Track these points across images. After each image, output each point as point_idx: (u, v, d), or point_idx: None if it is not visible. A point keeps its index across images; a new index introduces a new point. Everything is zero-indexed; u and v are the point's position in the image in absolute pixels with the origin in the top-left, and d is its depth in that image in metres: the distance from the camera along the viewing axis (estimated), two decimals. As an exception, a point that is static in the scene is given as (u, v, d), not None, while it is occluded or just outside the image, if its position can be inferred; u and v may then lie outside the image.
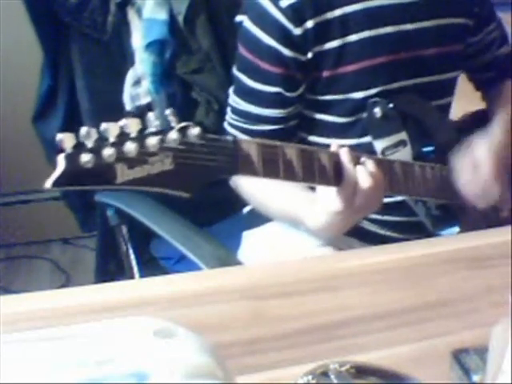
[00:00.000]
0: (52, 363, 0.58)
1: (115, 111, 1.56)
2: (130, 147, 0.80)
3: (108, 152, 0.78)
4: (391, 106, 1.23)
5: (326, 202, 1.08)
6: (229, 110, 1.30)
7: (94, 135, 0.78)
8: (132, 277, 1.51)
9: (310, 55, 1.21)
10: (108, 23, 1.54)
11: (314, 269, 0.99)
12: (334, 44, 1.22)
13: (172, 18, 1.54)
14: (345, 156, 1.06)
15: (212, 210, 1.54)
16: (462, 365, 0.81)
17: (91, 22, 1.53)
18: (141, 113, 1.54)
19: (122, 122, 0.80)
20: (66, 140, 0.77)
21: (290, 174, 1.00)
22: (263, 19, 1.21)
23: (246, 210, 1.42)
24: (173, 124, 0.85)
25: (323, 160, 1.04)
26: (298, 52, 1.21)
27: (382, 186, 1.09)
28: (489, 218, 1.29)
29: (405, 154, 1.23)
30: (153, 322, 0.63)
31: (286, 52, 1.20)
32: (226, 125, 1.30)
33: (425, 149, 1.27)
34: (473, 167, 1.24)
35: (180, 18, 1.53)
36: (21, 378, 0.57)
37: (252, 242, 1.38)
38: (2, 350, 0.59)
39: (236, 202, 1.33)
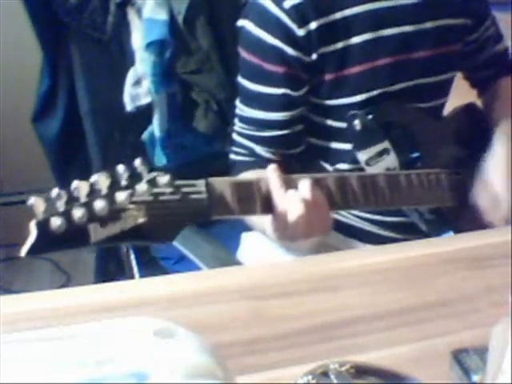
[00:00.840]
0: (52, 363, 0.58)
1: (115, 111, 1.56)
2: (101, 205, 0.79)
3: (78, 213, 0.78)
4: (370, 117, 1.22)
5: (266, 229, 1.05)
6: (236, 120, 1.29)
7: (64, 196, 0.78)
8: (132, 277, 1.51)
9: (314, 57, 1.21)
10: (108, 23, 1.54)
11: (313, 269, 0.99)
12: (337, 46, 1.21)
13: (172, 18, 1.54)
14: (273, 182, 1.00)
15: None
16: (462, 365, 0.81)
17: (91, 22, 1.53)
18: (143, 114, 1.55)
19: (93, 178, 0.80)
20: (37, 205, 0.77)
21: (267, 208, 0.99)
22: (266, 20, 1.20)
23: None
24: (143, 173, 0.84)
25: (262, 188, 1.00)
26: (302, 53, 1.20)
27: (319, 210, 1.01)
28: (482, 222, 1.28)
29: (390, 162, 1.22)
30: (153, 322, 0.63)
31: (290, 51, 1.20)
32: (234, 135, 1.29)
33: (411, 154, 1.26)
34: (493, 205, 1.24)
35: (180, 19, 1.53)
36: (21, 378, 0.57)
37: (251, 242, 1.38)
38: (2, 350, 0.59)
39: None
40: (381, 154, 1.22)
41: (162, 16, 1.53)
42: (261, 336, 0.87)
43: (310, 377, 0.78)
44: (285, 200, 0.99)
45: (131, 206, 0.83)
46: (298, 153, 1.28)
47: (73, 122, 1.60)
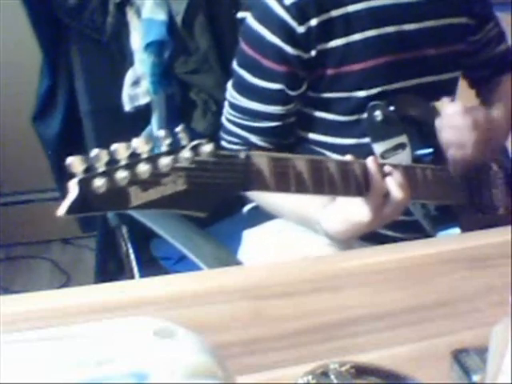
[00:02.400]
0: (52, 363, 0.58)
1: (115, 111, 1.56)
2: (143, 169, 0.77)
3: (121, 175, 0.76)
4: (392, 108, 1.23)
5: (352, 211, 1.09)
6: (227, 104, 1.29)
7: (105, 157, 0.75)
8: (132, 277, 1.51)
9: (313, 53, 1.21)
10: (107, 24, 1.54)
11: (314, 269, 0.99)
12: (337, 42, 1.22)
13: (171, 18, 1.54)
14: (373, 166, 1.06)
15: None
16: (462, 365, 0.81)
17: (90, 23, 1.53)
18: (143, 115, 1.55)
19: (133, 142, 0.77)
20: (76, 164, 0.74)
21: (301, 187, 0.99)
22: (267, 17, 1.21)
23: (245, 209, 1.42)
24: (184, 142, 0.83)
25: (349, 170, 1.04)
26: (302, 50, 1.21)
27: (409, 196, 1.09)
28: (486, 216, 1.29)
29: (404, 157, 1.23)
30: (153, 322, 0.63)
31: (290, 50, 1.20)
32: (223, 120, 1.30)
33: (424, 151, 1.27)
34: (464, 116, 1.22)
35: (178, 19, 1.53)
36: (21, 378, 0.57)
37: (252, 241, 1.38)
38: (2, 350, 0.59)
39: (236, 201, 1.33)
40: (397, 148, 1.23)
41: (161, 16, 1.53)
42: (261, 336, 0.87)
43: (309, 377, 0.78)
44: (385, 184, 1.07)
45: (173, 172, 0.81)
46: (290, 143, 1.29)
47: (72, 122, 1.60)
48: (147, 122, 1.57)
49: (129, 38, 1.56)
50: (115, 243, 1.57)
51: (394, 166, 1.10)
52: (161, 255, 1.59)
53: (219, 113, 1.37)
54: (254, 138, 1.25)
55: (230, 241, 1.39)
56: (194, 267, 1.23)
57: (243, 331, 0.87)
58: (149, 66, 1.54)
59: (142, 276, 1.52)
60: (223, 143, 1.29)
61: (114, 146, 0.76)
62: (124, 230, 1.54)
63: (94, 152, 0.75)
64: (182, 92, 1.60)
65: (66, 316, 0.84)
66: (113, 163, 0.76)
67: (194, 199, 0.85)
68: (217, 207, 0.88)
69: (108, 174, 0.75)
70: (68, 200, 0.75)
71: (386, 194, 1.07)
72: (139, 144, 0.78)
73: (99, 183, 0.75)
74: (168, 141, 0.81)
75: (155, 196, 0.81)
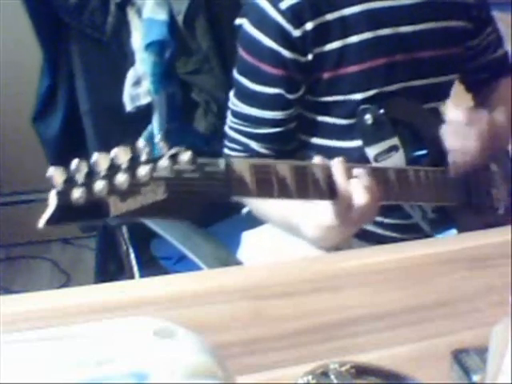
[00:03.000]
0: (52, 363, 0.58)
1: (115, 111, 1.56)
2: (121, 179, 0.78)
3: (99, 186, 0.77)
4: (382, 111, 1.23)
5: (319, 217, 1.07)
6: (229, 113, 1.30)
7: (84, 168, 0.77)
8: (132, 277, 1.51)
9: (310, 57, 1.21)
10: (108, 23, 1.54)
11: (314, 269, 0.99)
12: (334, 45, 1.22)
13: (172, 18, 1.54)
14: (337, 169, 1.04)
15: (212, 210, 1.54)
16: (462, 365, 0.81)
17: (91, 23, 1.53)
18: (143, 114, 1.55)
19: (113, 152, 0.78)
20: (56, 175, 0.76)
21: (284, 193, 0.99)
22: (263, 21, 1.21)
23: (245, 210, 1.42)
24: (163, 151, 0.84)
25: (317, 175, 1.03)
26: (298, 53, 1.21)
27: (376, 199, 1.07)
28: (486, 219, 1.28)
29: (397, 159, 1.23)
30: (153, 322, 0.63)
31: (286, 54, 1.20)
32: (226, 128, 1.30)
33: (417, 153, 1.27)
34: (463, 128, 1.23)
35: (179, 19, 1.53)
36: (21, 378, 0.57)
37: (251, 241, 1.38)
38: (2, 350, 0.59)
39: (235, 202, 1.33)
40: (389, 150, 1.23)
41: (162, 16, 1.53)
42: (261, 336, 0.87)
43: (309, 377, 0.78)
44: (349, 187, 1.04)
45: (152, 182, 0.82)
46: (292, 149, 1.29)
47: (73, 122, 1.60)
48: (148, 122, 1.57)
49: (129, 38, 1.56)
50: (115, 243, 1.57)
51: (365, 168, 1.08)
52: (161, 255, 1.59)
53: (220, 113, 1.37)
54: (254, 145, 1.25)
55: (230, 241, 1.39)
56: (194, 267, 1.23)
57: (243, 331, 0.87)
58: (150, 65, 1.54)
59: (142, 276, 1.52)
60: (226, 151, 1.29)
61: (95, 157, 0.77)
62: (124, 229, 1.54)
63: (74, 164, 0.77)
64: (183, 92, 1.60)
65: (65, 316, 0.84)
66: (92, 174, 0.77)
67: (174, 208, 0.86)
68: (199, 214, 0.89)
69: (86, 184, 0.77)
70: (47, 212, 0.78)
71: (352, 199, 1.05)
72: (119, 154, 0.79)
73: (77, 194, 0.76)
74: (147, 150, 0.81)
75: (135, 206, 0.82)
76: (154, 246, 1.59)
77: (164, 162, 0.83)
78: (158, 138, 0.85)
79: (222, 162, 0.93)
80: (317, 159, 1.06)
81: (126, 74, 1.56)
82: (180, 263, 1.49)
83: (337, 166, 1.04)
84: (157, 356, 0.59)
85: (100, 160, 0.78)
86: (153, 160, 0.82)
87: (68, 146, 1.62)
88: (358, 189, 1.04)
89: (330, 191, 1.04)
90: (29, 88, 1.67)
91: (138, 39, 1.55)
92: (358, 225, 1.10)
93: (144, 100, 1.56)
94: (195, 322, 0.75)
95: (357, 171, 1.06)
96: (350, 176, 1.05)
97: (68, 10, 1.53)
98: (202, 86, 1.59)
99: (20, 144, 2.30)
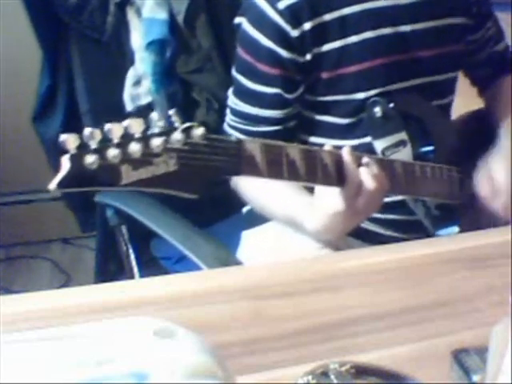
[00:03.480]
0: (52, 363, 0.58)
1: (115, 111, 1.56)
2: (135, 148, 0.79)
3: (113, 153, 0.78)
4: (391, 105, 1.23)
5: (327, 203, 1.08)
6: (228, 111, 1.30)
7: (98, 136, 0.77)
8: (132, 277, 1.51)
9: (308, 57, 1.21)
10: (107, 23, 1.54)
11: (314, 269, 0.99)
12: (333, 45, 1.22)
13: (172, 17, 1.54)
14: (347, 156, 1.05)
15: (212, 210, 1.54)
16: (462, 365, 0.81)
17: (91, 22, 1.53)
18: (144, 113, 1.55)
19: (126, 122, 0.79)
20: (70, 141, 0.76)
21: (293, 175, 1.00)
22: (261, 21, 1.21)
23: (245, 209, 1.42)
24: (176, 124, 0.84)
25: (326, 160, 1.04)
26: (296, 53, 1.21)
27: (385, 188, 1.08)
28: (488, 218, 1.29)
29: (405, 154, 1.23)
30: (153, 322, 0.63)
31: (284, 53, 1.20)
32: (225, 126, 1.30)
33: (425, 149, 1.27)
34: (494, 192, 1.25)
35: (180, 18, 1.54)
36: (21, 378, 0.57)
37: (251, 241, 1.38)
38: (2, 350, 0.59)
39: (236, 202, 1.33)
40: (397, 144, 1.23)
41: (162, 15, 1.53)
42: (261, 336, 0.87)
43: (309, 377, 0.78)
44: (359, 174, 1.05)
45: (164, 153, 0.83)
46: None
47: (73, 122, 1.60)
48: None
49: (129, 38, 1.56)
50: (115, 243, 1.57)
51: (372, 158, 1.09)
52: (161, 255, 1.59)
53: (221, 111, 1.37)
54: None
55: (230, 241, 1.39)
56: (194, 267, 1.23)
57: (243, 331, 0.87)
58: (150, 65, 1.54)
59: (142, 276, 1.52)
60: None
61: (108, 126, 0.78)
62: (124, 229, 1.54)
63: (88, 130, 0.77)
64: (183, 91, 1.60)
65: (66, 316, 0.84)
66: (106, 142, 0.78)
67: (184, 181, 0.86)
68: (207, 190, 0.89)
69: (100, 151, 0.77)
70: (59, 175, 0.77)
71: (361, 185, 1.06)
72: (132, 124, 0.79)
73: (90, 160, 0.77)
74: (161, 123, 0.82)
75: (146, 175, 0.82)
76: (154, 246, 1.59)
77: (177, 135, 0.83)
78: (171, 111, 0.85)
79: (234, 140, 0.94)
80: (327, 147, 1.06)
81: (126, 73, 1.56)
82: (180, 263, 1.49)
83: (347, 152, 1.05)
84: (157, 356, 0.59)
85: (114, 129, 0.78)
86: (166, 132, 0.83)
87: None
88: (367, 175, 1.05)
89: (338, 177, 1.05)
90: (29, 88, 1.67)
91: (137, 39, 1.55)
92: (363, 214, 1.11)
93: (144, 100, 1.56)
94: (195, 321, 0.75)
95: (365, 160, 1.07)
96: (359, 164, 1.06)
97: (68, 10, 1.53)
98: (203, 85, 1.59)
99: (20, 144, 2.30)
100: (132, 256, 1.53)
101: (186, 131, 0.85)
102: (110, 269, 1.74)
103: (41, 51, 1.59)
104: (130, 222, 1.48)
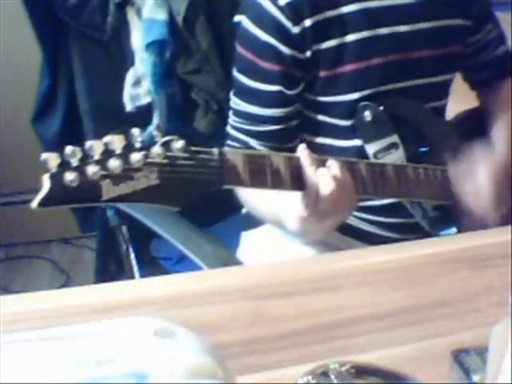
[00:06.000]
0: (52, 363, 0.58)
1: (115, 112, 1.56)
2: (115, 164, 0.80)
3: (92, 169, 0.79)
4: (381, 108, 1.23)
5: (293, 208, 1.06)
6: (231, 112, 1.29)
7: (79, 154, 0.79)
8: (132, 277, 1.51)
9: (308, 54, 1.21)
10: (107, 23, 1.54)
11: (314, 269, 0.99)
12: (331, 43, 1.22)
13: (171, 18, 1.54)
14: (304, 160, 1.03)
15: (212, 210, 1.54)
16: (462, 365, 0.81)
17: (91, 23, 1.53)
18: (143, 113, 1.55)
19: (107, 138, 0.81)
20: (51, 159, 0.78)
21: (277, 183, 1.00)
22: (261, 17, 1.21)
23: (245, 210, 1.42)
24: (157, 139, 0.85)
25: (286, 165, 1.02)
26: (297, 50, 1.21)
27: (348, 189, 1.05)
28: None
29: (397, 157, 1.23)
30: (153, 322, 0.63)
31: (285, 50, 1.20)
32: (229, 128, 1.29)
33: (418, 150, 1.27)
34: (472, 178, 1.23)
35: (179, 19, 1.53)
36: (21, 378, 0.57)
37: (251, 241, 1.38)
38: (2, 350, 0.59)
39: (236, 202, 1.33)
40: (389, 147, 1.23)
41: (162, 16, 1.53)
42: (261, 336, 0.87)
43: (309, 377, 0.78)
44: (316, 176, 1.02)
45: (145, 167, 0.84)
46: (292, 148, 1.29)
47: (73, 122, 1.60)
48: (148, 122, 1.57)
49: (129, 38, 1.56)
50: (115, 243, 1.57)
51: (338, 161, 1.06)
52: (161, 255, 1.59)
53: (221, 112, 1.37)
54: (254, 143, 1.25)
55: (230, 241, 1.39)
56: (194, 267, 1.23)
57: (243, 331, 0.87)
58: (150, 65, 1.54)
59: (142, 276, 1.52)
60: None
61: (89, 143, 0.80)
62: (124, 229, 1.54)
63: (69, 149, 0.79)
64: (183, 92, 1.60)
65: (66, 316, 0.84)
66: (86, 159, 0.79)
67: (167, 194, 0.87)
68: (191, 202, 0.90)
69: (80, 168, 0.79)
70: (40, 194, 0.79)
71: (319, 189, 1.03)
72: (113, 140, 0.81)
73: (70, 177, 0.78)
74: (141, 138, 0.83)
75: (127, 190, 0.83)
76: (154, 246, 1.59)
77: (157, 149, 0.85)
78: (152, 126, 0.87)
79: (215, 151, 0.94)
80: (300, 149, 1.04)
81: (126, 74, 1.56)
82: (180, 263, 1.49)
83: (303, 155, 1.03)
84: (157, 356, 0.59)
85: (94, 146, 0.80)
86: (146, 147, 0.84)
87: (68, 146, 1.62)
88: (323, 178, 1.02)
89: (298, 181, 1.03)
90: (29, 88, 1.67)
91: (137, 39, 1.55)
92: (331, 216, 1.06)
93: (144, 100, 1.56)
94: (195, 321, 0.75)
95: (329, 162, 1.05)
96: (319, 166, 1.04)
97: (68, 10, 1.53)
98: (202, 86, 1.59)
99: (20, 144, 2.30)
100: (132, 256, 1.53)
101: (166, 145, 0.86)
102: (109, 269, 1.74)
103: (41, 51, 1.59)
104: (130, 222, 1.48)
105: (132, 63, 1.56)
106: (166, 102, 1.57)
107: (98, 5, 1.53)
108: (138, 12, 1.54)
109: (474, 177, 1.23)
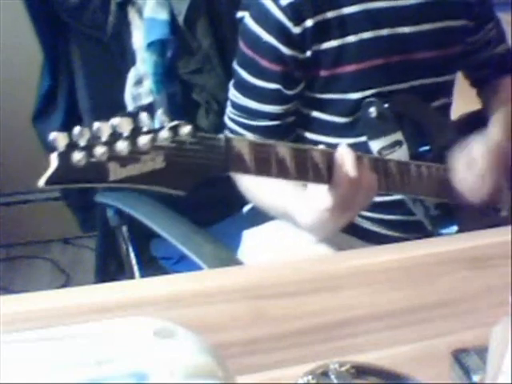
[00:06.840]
0: (52, 363, 0.58)
1: (115, 111, 1.56)
2: (122, 146, 0.80)
3: (100, 150, 0.79)
4: (386, 105, 1.23)
5: (316, 199, 1.08)
6: (229, 104, 1.30)
7: (87, 134, 0.79)
8: (132, 277, 1.51)
9: (308, 54, 1.22)
10: (109, 23, 1.54)
11: (314, 269, 0.99)
12: (332, 44, 1.22)
13: (173, 17, 1.54)
14: (340, 154, 1.05)
15: (212, 210, 1.54)
16: (462, 365, 0.81)
17: (92, 22, 1.53)
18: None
19: (115, 121, 0.81)
20: (59, 139, 0.78)
21: (282, 173, 1.00)
22: (263, 17, 1.21)
23: (245, 209, 1.42)
24: (165, 123, 0.86)
25: (316, 158, 1.03)
26: (297, 50, 1.21)
27: (374, 187, 1.08)
28: (488, 218, 1.29)
29: (401, 154, 1.23)
30: (153, 322, 0.63)
31: (285, 50, 1.21)
32: (226, 119, 1.31)
33: (421, 149, 1.27)
34: (468, 165, 1.24)
35: (180, 18, 1.53)
36: (21, 378, 0.57)
37: (252, 241, 1.38)
38: (2, 350, 0.59)
39: (236, 201, 1.33)
40: (393, 145, 1.23)
41: (163, 16, 1.53)
42: (261, 336, 0.87)
43: (309, 377, 0.78)
44: (349, 173, 1.04)
45: (152, 151, 0.84)
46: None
47: (73, 122, 1.59)
48: (148, 122, 1.57)
49: (130, 38, 1.56)
50: (115, 243, 1.57)
51: (363, 155, 1.09)
52: (161, 255, 1.59)
53: (222, 112, 1.37)
54: (250, 137, 1.25)
55: (230, 241, 1.39)
56: (194, 267, 1.23)
57: (243, 331, 0.87)
58: (151, 65, 1.54)
59: (142, 276, 1.52)
60: None
61: (97, 125, 0.80)
62: (124, 229, 1.54)
63: (77, 129, 0.79)
64: (184, 92, 1.60)
65: (65, 316, 0.84)
66: (94, 140, 0.79)
67: (172, 178, 0.87)
68: (196, 187, 0.90)
69: (87, 149, 0.79)
70: (47, 172, 0.79)
71: (350, 184, 1.05)
72: (121, 123, 0.81)
73: (78, 157, 0.78)
74: (150, 122, 0.84)
75: (134, 172, 0.83)
76: (154, 246, 1.59)
77: (164, 133, 0.85)
78: (160, 111, 0.87)
79: (221, 137, 0.94)
80: (320, 147, 1.06)
81: (127, 73, 1.56)
82: (180, 263, 1.49)
83: (341, 150, 1.05)
84: (157, 356, 0.59)
85: (102, 128, 0.80)
86: (154, 130, 0.84)
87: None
88: (356, 174, 1.04)
89: (328, 175, 1.04)
90: (29, 88, 1.67)
91: (138, 39, 1.55)
92: (352, 212, 1.11)
93: (145, 100, 1.56)
94: (195, 321, 0.75)
95: (358, 159, 1.06)
96: (350, 162, 1.05)
97: (68, 10, 1.53)
98: (203, 86, 1.59)
99: (20, 144, 2.30)
100: (132, 256, 1.53)
101: (174, 129, 0.86)
102: (110, 269, 1.74)
103: (41, 51, 1.59)
104: (130, 222, 1.48)
105: (133, 63, 1.56)
106: (168, 101, 1.57)
107: (99, 4, 1.53)
108: (140, 12, 1.54)
109: (470, 156, 1.24)
